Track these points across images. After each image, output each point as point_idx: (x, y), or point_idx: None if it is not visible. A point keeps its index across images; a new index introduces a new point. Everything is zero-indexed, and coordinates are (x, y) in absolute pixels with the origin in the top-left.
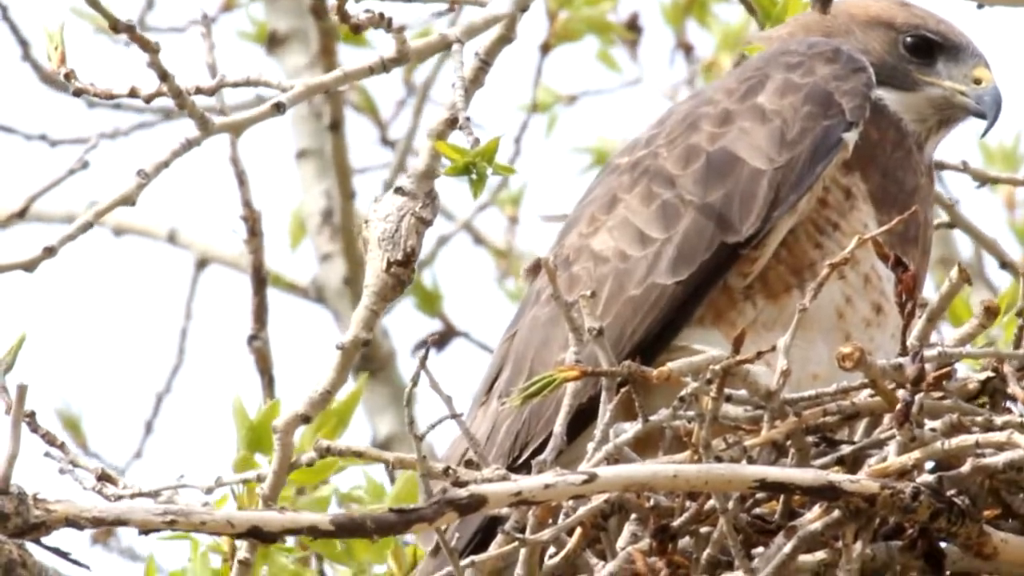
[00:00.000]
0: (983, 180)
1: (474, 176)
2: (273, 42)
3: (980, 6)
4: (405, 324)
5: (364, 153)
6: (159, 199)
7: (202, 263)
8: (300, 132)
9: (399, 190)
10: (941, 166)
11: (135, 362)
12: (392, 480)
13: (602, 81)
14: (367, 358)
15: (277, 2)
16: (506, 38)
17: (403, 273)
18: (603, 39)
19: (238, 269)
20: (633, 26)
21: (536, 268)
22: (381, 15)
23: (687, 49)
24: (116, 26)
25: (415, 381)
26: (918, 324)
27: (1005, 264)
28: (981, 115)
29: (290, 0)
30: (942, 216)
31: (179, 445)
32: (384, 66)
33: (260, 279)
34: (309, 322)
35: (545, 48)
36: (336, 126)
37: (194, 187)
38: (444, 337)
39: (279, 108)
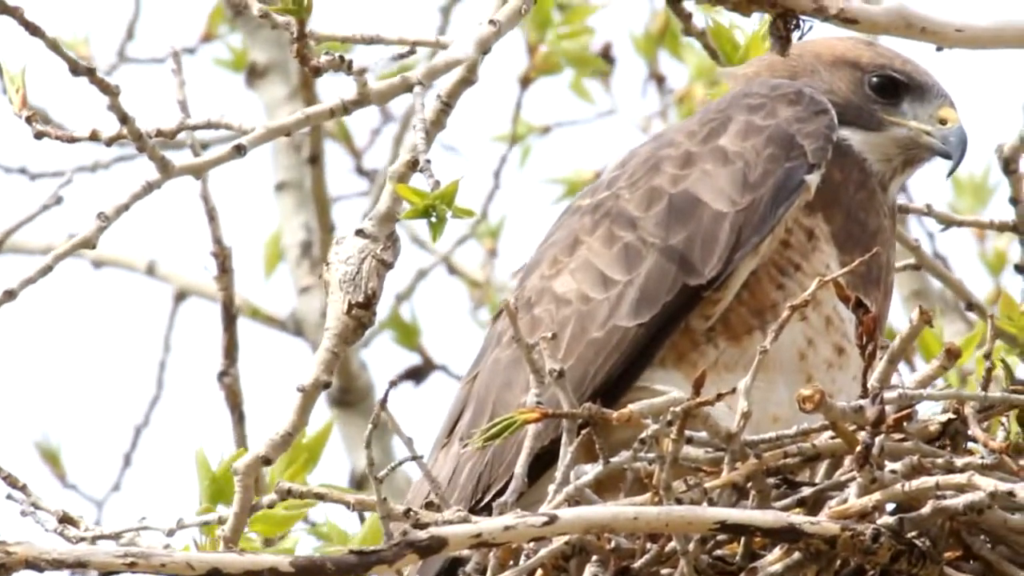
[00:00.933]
0: (947, 223)
1: (434, 219)
2: (253, 74)
3: (939, 49)
4: (384, 358)
5: (339, 182)
6: (138, 232)
7: (181, 296)
8: (279, 164)
9: (360, 232)
10: (905, 209)
11: (114, 394)
12: (362, 520)
13: (576, 112)
14: (345, 391)
15: (257, 34)
16: (468, 80)
17: (364, 315)
18: (580, 71)
19: (217, 302)
20: (606, 56)
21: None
22: (341, 58)
23: (659, 80)
24: (76, 69)
25: (375, 422)
26: (879, 366)
27: (971, 306)
28: (947, 155)
29: (270, 32)
30: (909, 258)
31: (157, 478)
32: (345, 108)
33: (230, 316)
34: (287, 355)
35: (525, 81)
36: (315, 159)
37: (173, 220)
38: (422, 370)
39: (239, 150)
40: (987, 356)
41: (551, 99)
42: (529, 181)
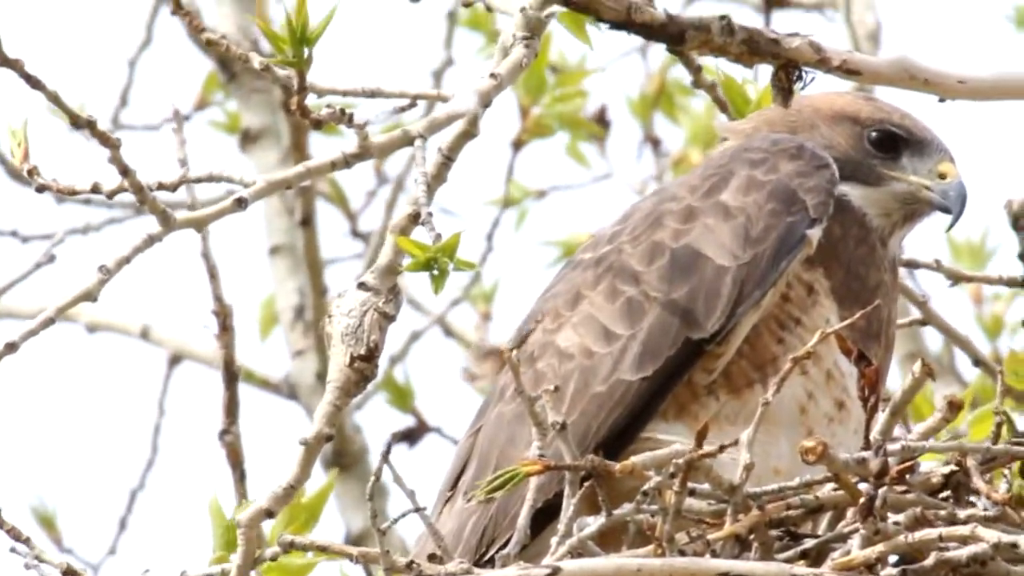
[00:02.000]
0: (956, 279)
1: (436, 272)
2: (246, 139)
3: (941, 100)
4: (378, 420)
5: (335, 245)
6: (132, 295)
7: (175, 359)
8: (272, 228)
9: (362, 285)
10: (914, 264)
11: (109, 458)
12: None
13: (572, 175)
14: (339, 453)
15: (250, 99)
16: (469, 133)
17: (366, 368)
18: (575, 134)
19: (211, 366)
20: (601, 120)
21: (489, 355)
22: (342, 111)
23: (655, 143)
24: (77, 122)
25: (378, 475)
26: (881, 418)
27: (978, 362)
28: (946, 210)
29: (262, 97)
30: (914, 313)
31: (153, 542)
32: (346, 161)
33: (231, 374)
34: (281, 418)
35: (517, 144)
36: (308, 222)
37: (167, 282)
38: (416, 432)
39: (241, 203)
40: (996, 412)
41: (546, 161)
42: (524, 244)
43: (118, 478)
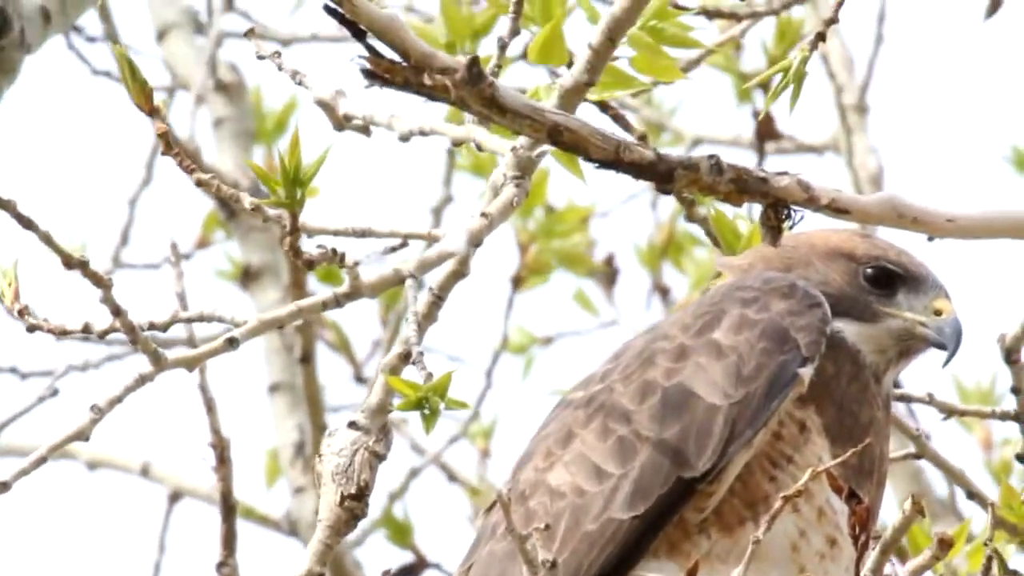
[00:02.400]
0: (949, 412)
1: (427, 411)
2: (247, 276)
3: (930, 239)
4: (377, 557)
5: (339, 391)
6: (132, 432)
7: (175, 496)
8: (272, 366)
9: (352, 424)
10: (907, 398)
11: None
12: None
13: (578, 322)
14: None
15: (249, 237)
16: (460, 273)
17: (356, 507)
18: (576, 272)
19: (211, 502)
20: (609, 267)
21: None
22: (334, 251)
23: (663, 292)
24: (69, 262)
25: None
26: (871, 556)
27: (972, 495)
28: (941, 346)
29: (263, 235)
30: (910, 447)
31: None
32: (337, 301)
33: (229, 506)
34: (282, 556)
35: (517, 282)
36: (307, 359)
37: (167, 419)
38: (416, 568)
39: (232, 343)
40: (987, 543)
41: (553, 308)
42: (532, 390)
43: None
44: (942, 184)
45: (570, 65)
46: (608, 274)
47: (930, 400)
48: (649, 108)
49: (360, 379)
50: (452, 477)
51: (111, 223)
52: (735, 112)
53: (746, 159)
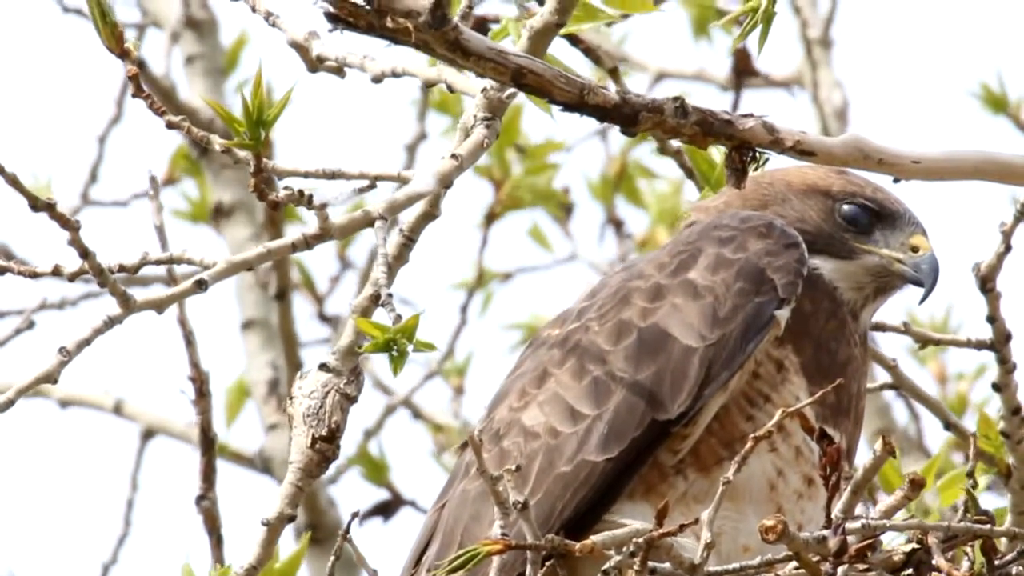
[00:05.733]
0: (924, 342)
1: (395, 352)
2: (219, 214)
3: (896, 180)
4: (353, 494)
5: (302, 328)
6: (104, 370)
7: (148, 434)
8: (245, 303)
9: (323, 367)
10: (882, 327)
11: (82, 533)
12: None
13: (535, 258)
14: (314, 527)
15: (221, 174)
16: (430, 214)
17: (328, 449)
18: (548, 209)
19: (184, 440)
20: (564, 201)
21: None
22: (301, 192)
23: (617, 225)
24: (36, 204)
25: (338, 553)
26: (843, 496)
27: (950, 425)
28: (919, 283)
29: (234, 172)
30: (884, 378)
31: None
32: (307, 242)
33: (208, 440)
34: (255, 494)
35: (491, 217)
36: (283, 295)
37: (141, 356)
38: (391, 506)
39: (201, 285)
40: (970, 475)
41: (510, 245)
42: (490, 327)
43: (91, 553)
44: (908, 119)
45: (541, 2)
46: (564, 208)
47: (905, 330)
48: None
49: (323, 317)
50: (417, 415)
51: (80, 160)
52: (692, 46)
53: (711, 94)
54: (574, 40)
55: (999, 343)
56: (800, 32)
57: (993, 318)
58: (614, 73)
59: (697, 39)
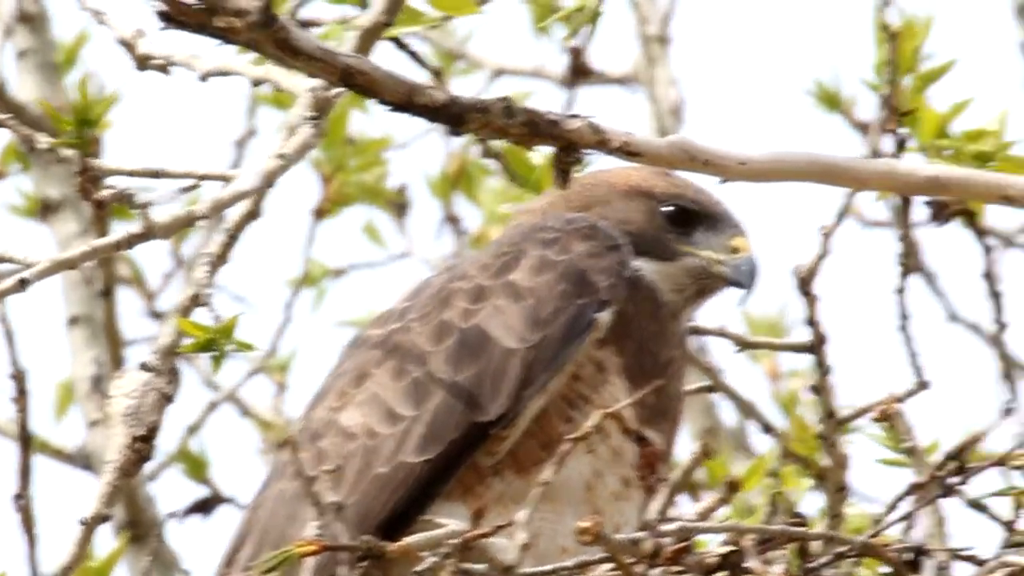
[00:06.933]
0: (742, 345)
1: (216, 352)
2: (47, 210)
3: (722, 182)
4: (172, 491)
5: (132, 325)
6: None
7: None
8: (70, 299)
9: (143, 366)
10: (700, 331)
11: None
12: None
13: (370, 254)
14: (133, 524)
15: (50, 170)
16: (254, 214)
17: (145, 448)
18: (378, 205)
19: (4, 435)
20: (401, 198)
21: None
22: (124, 191)
23: (455, 222)
24: None
25: (153, 553)
26: (658, 498)
27: (768, 428)
28: (737, 284)
29: (62, 168)
30: (705, 380)
31: None
32: (130, 242)
33: (26, 438)
34: (76, 490)
35: (319, 213)
36: (108, 292)
37: None
38: (210, 503)
39: (23, 284)
40: (774, 474)
41: (344, 241)
42: (322, 323)
43: None
44: (746, 116)
45: (365, 6)
46: (400, 205)
47: (722, 333)
48: (445, 37)
49: (154, 313)
50: (245, 412)
51: None
52: (534, 41)
53: (550, 90)
54: (399, 44)
55: (817, 346)
56: (638, 28)
57: (811, 321)
58: (438, 75)
59: (538, 36)
